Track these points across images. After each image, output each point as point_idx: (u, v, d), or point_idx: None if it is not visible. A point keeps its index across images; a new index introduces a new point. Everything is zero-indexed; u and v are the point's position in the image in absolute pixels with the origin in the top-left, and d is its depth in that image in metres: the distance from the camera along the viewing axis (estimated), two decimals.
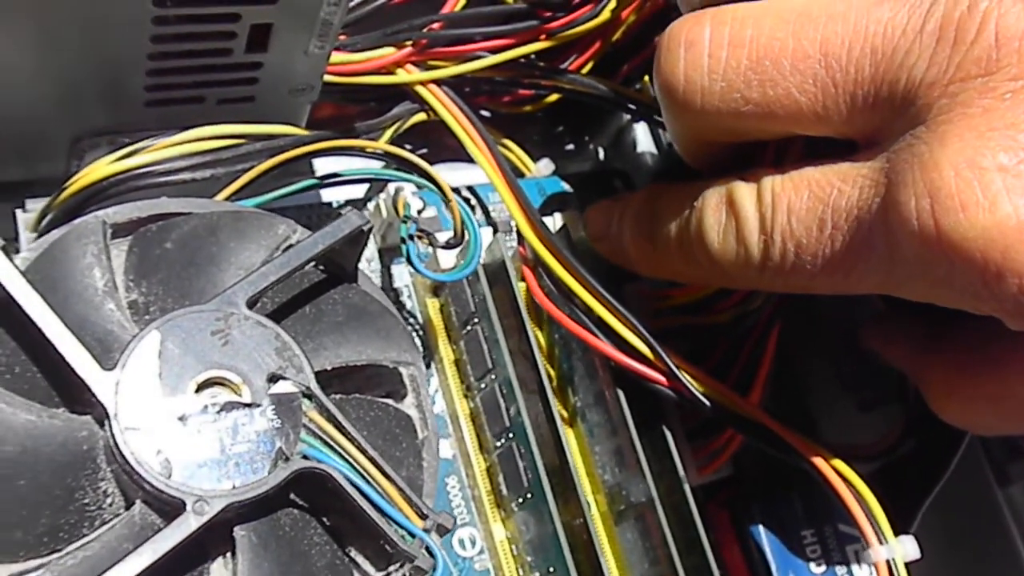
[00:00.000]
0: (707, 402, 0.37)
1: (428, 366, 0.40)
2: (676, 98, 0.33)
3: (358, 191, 0.42)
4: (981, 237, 0.26)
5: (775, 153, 0.34)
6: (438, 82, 0.40)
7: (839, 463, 0.35)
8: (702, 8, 0.33)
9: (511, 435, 0.37)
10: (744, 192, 0.33)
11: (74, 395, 0.28)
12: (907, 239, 0.28)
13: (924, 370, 0.37)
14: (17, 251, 0.32)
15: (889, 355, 0.40)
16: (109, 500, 0.28)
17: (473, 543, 0.38)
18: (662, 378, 0.37)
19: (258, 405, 0.28)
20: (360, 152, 0.36)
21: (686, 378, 0.36)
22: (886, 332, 0.41)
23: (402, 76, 0.40)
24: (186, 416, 0.27)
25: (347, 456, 0.28)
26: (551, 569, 0.36)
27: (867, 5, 0.29)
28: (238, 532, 0.28)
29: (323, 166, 0.40)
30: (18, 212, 0.34)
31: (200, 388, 0.28)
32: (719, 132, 0.34)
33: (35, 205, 0.34)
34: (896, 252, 0.29)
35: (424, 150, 0.45)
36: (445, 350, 0.40)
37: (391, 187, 0.39)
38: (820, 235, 0.31)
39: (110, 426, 0.27)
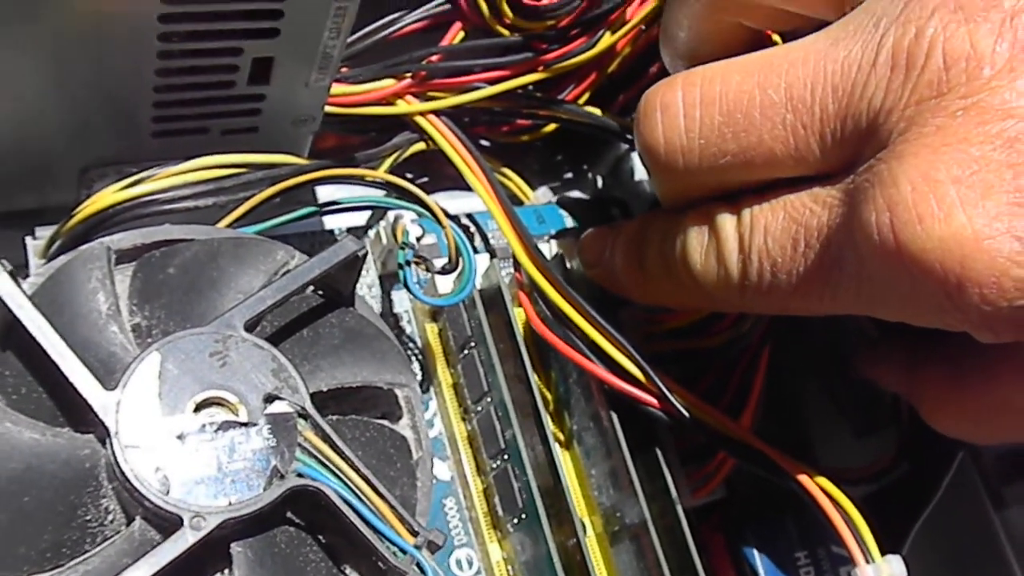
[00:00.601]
0: (699, 425, 0.37)
1: (427, 390, 0.41)
2: (659, 161, 0.35)
3: (360, 219, 0.43)
4: (938, 248, 0.27)
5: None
6: (437, 112, 0.41)
7: (827, 483, 0.35)
8: (684, 66, 0.35)
9: (506, 456, 0.38)
10: (726, 215, 0.34)
11: (78, 415, 0.29)
12: (870, 254, 0.29)
13: (917, 388, 0.38)
14: (26, 277, 0.33)
15: (883, 380, 0.41)
16: (111, 517, 0.29)
17: (470, 564, 0.39)
18: (655, 401, 0.37)
19: (254, 424, 0.29)
20: (358, 180, 0.37)
21: (678, 401, 0.37)
22: (878, 358, 0.41)
23: (402, 107, 0.41)
24: (184, 435, 0.28)
25: (340, 474, 0.29)
26: None
27: (824, 47, 0.31)
28: (235, 548, 0.29)
29: (326, 195, 0.41)
30: (28, 239, 0.35)
31: (198, 408, 0.29)
32: (704, 188, 0.35)
33: (44, 232, 0.35)
34: (862, 269, 0.30)
35: (425, 179, 0.47)
36: (443, 374, 0.41)
37: (391, 215, 0.40)
38: (794, 254, 0.32)
39: (111, 444, 0.28)
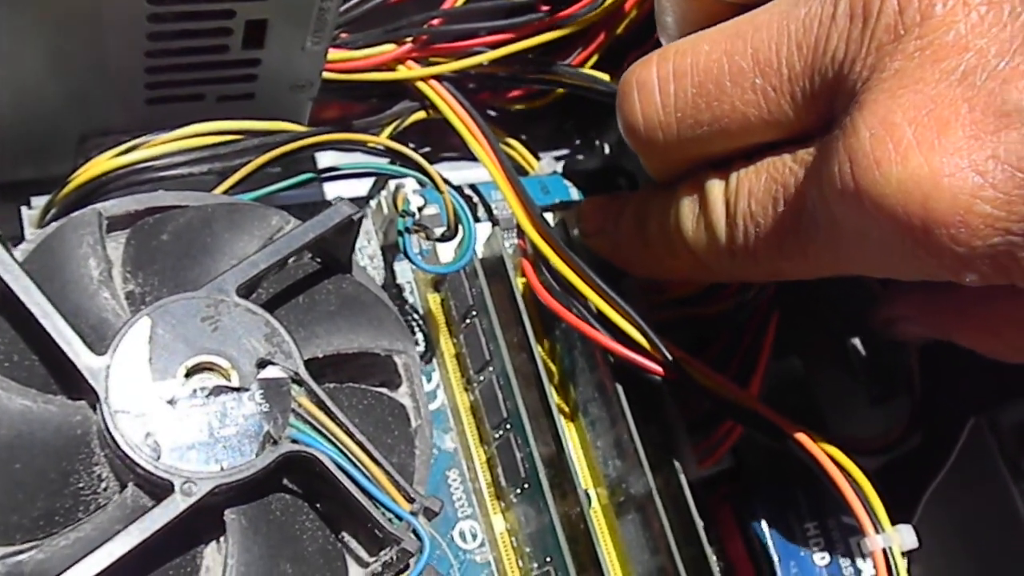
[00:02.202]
0: (705, 393, 0.37)
1: (430, 360, 0.40)
2: (640, 137, 0.35)
3: (362, 189, 0.42)
4: (898, 191, 0.27)
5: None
6: (439, 78, 0.41)
7: (836, 452, 0.34)
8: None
9: (508, 426, 0.37)
10: (714, 181, 0.34)
11: (70, 382, 0.29)
12: (837, 206, 0.29)
13: (939, 313, 0.38)
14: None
15: (904, 320, 0.40)
16: (104, 484, 0.29)
17: (474, 536, 0.38)
18: (660, 369, 0.37)
19: (246, 390, 0.29)
20: (357, 146, 0.36)
21: (684, 369, 0.36)
22: (892, 299, 0.41)
23: (403, 72, 0.40)
24: (175, 400, 0.28)
25: (335, 440, 0.29)
26: (548, 559, 0.36)
27: (786, 7, 0.31)
28: (228, 515, 0.28)
29: (326, 163, 0.40)
30: (23, 209, 0.35)
31: (190, 373, 0.28)
32: (688, 160, 0.35)
33: (40, 202, 0.35)
34: (834, 223, 0.29)
35: (427, 149, 0.46)
36: (446, 344, 0.40)
37: (392, 184, 0.39)
38: (775, 214, 0.32)
39: (101, 409, 0.27)
